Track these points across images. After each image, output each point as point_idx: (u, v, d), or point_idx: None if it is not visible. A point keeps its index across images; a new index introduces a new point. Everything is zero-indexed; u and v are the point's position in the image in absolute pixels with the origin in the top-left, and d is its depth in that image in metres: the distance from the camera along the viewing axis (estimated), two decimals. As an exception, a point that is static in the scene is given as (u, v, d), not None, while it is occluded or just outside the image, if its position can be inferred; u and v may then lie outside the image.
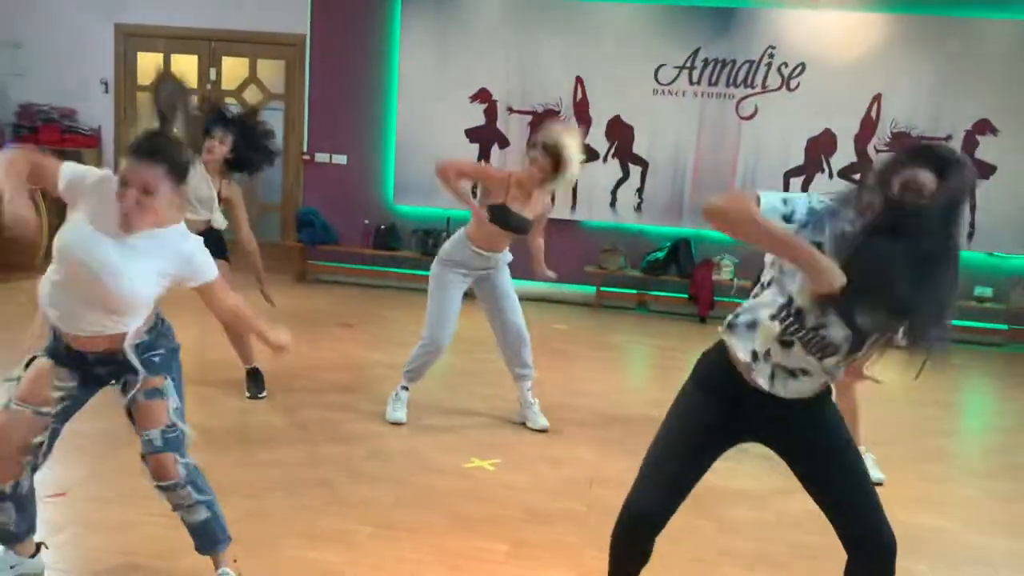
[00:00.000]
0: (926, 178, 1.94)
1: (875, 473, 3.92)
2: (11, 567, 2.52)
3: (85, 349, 2.35)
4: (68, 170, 2.32)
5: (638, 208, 7.84)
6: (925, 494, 3.89)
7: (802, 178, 7.59)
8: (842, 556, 2.22)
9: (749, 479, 3.75)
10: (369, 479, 3.60)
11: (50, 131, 8.18)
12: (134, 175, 2.22)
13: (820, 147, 7.53)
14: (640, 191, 7.82)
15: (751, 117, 7.59)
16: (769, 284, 2.15)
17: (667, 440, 2.28)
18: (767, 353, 2.12)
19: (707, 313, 7.58)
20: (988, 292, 7.35)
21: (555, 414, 4.48)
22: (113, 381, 2.44)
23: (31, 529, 2.52)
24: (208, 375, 4.77)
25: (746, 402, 2.19)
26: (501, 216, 4.12)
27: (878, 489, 3.83)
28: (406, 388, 4.31)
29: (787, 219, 2.01)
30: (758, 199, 2.02)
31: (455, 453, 3.94)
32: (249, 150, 4.31)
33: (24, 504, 2.44)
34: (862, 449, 3.93)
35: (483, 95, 7.86)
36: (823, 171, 7.54)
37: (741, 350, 2.15)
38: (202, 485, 2.43)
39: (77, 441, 3.16)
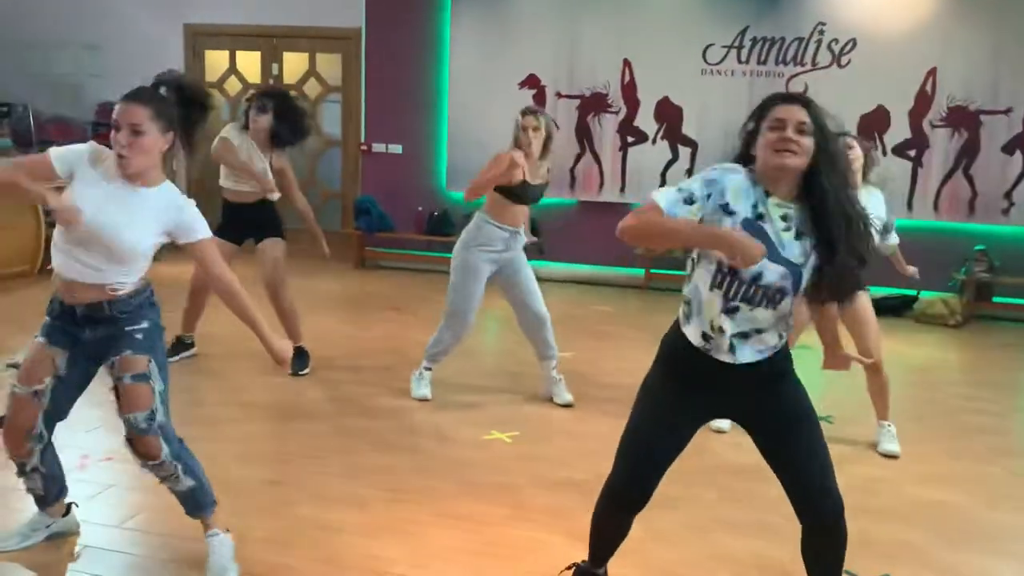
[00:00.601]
0: (795, 111, 2.12)
1: (891, 446, 3.93)
2: (46, 527, 2.80)
3: (77, 301, 2.51)
4: (56, 153, 2.53)
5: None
6: (945, 470, 3.87)
7: (855, 156, 7.45)
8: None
9: (755, 453, 3.81)
10: (389, 449, 3.81)
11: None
12: (123, 116, 2.45)
13: (873, 124, 7.38)
14: (690, 173, 7.81)
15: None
16: (698, 260, 2.24)
17: (641, 420, 2.37)
18: (719, 329, 2.20)
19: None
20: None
21: (583, 391, 4.61)
22: (100, 361, 2.59)
23: (61, 492, 2.79)
24: (257, 350, 5.07)
25: (710, 377, 2.27)
26: (524, 193, 4.29)
27: (892, 462, 3.88)
28: (429, 369, 4.49)
29: (690, 202, 2.11)
30: (658, 206, 2.12)
31: (476, 426, 4.12)
32: (283, 124, 4.61)
33: (50, 471, 2.71)
34: (885, 424, 3.95)
35: (532, 81, 7.99)
36: (876, 148, 7.38)
37: (694, 336, 2.24)
38: (187, 458, 2.60)
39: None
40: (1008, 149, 7.19)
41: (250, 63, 8.83)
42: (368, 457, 3.71)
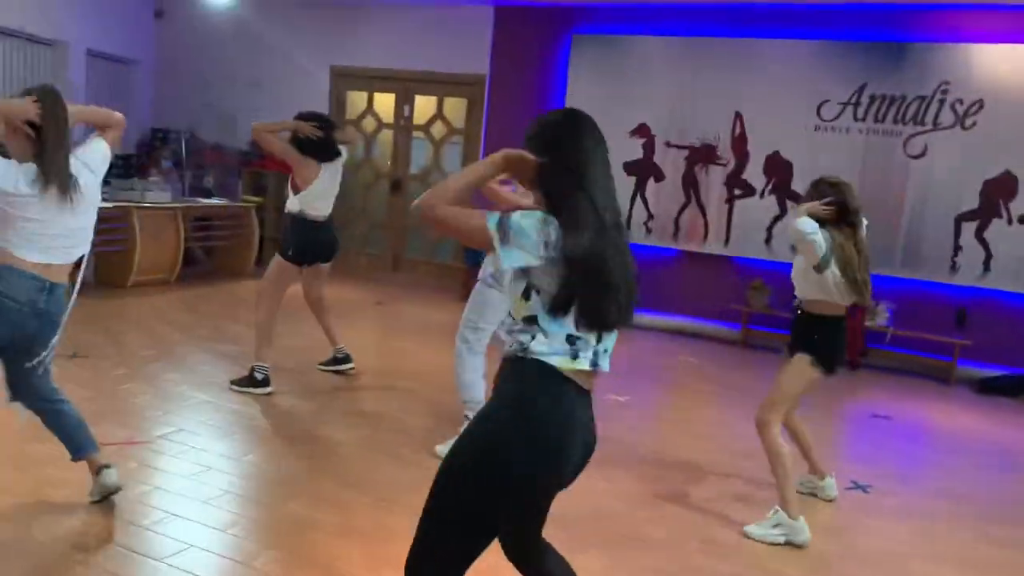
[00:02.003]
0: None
1: (757, 529, 3.59)
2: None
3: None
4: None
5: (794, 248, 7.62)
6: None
7: (976, 223, 7.02)
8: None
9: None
10: (403, 464, 4.00)
11: (273, 158, 9.48)
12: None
13: (998, 190, 6.93)
14: (798, 230, 7.60)
15: (920, 156, 7.16)
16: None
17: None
18: None
19: (858, 359, 7.18)
20: None
21: (623, 437, 4.58)
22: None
23: (80, 448, 3.19)
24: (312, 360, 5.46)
25: None
26: None
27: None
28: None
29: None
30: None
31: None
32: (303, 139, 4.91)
33: (65, 431, 3.13)
34: (775, 508, 3.59)
35: (642, 131, 8.09)
36: (1001, 216, 6.93)
37: None
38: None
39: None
40: None
41: (385, 104, 9.46)
42: (378, 470, 3.91)
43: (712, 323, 7.90)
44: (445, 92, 9.14)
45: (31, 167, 2.84)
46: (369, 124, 9.58)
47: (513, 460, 1.95)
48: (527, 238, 1.96)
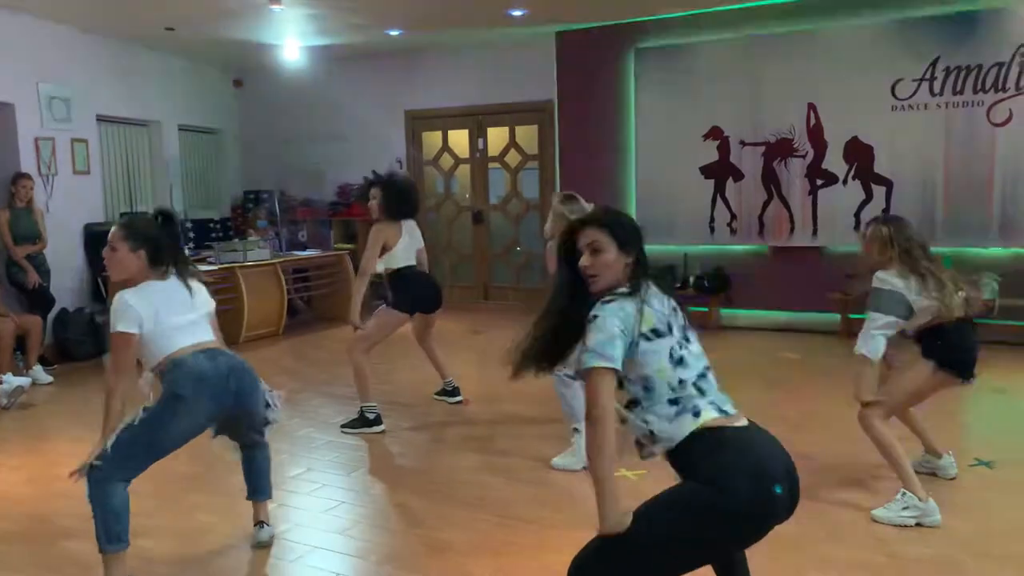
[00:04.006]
0: (588, 233, 2.27)
1: (884, 512, 3.56)
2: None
3: None
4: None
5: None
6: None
7: (1075, 183, 6.80)
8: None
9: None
10: (521, 482, 4.15)
11: (359, 205, 9.89)
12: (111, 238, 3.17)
13: (1094, 146, 6.71)
14: (887, 210, 7.49)
15: (1006, 123, 6.98)
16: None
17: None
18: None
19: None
20: None
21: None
22: None
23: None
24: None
25: None
26: None
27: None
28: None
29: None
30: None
31: (607, 464, 4.33)
32: (391, 201, 5.16)
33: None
34: (901, 491, 3.58)
35: (715, 133, 8.12)
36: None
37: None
38: (97, 502, 3.00)
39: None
40: None
41: (459, 140, 9.75)
42: (497, 490, 4.07)
43: (809, 315, 7.82)
44: (516, 121, 9.37)
45: None
46: (446, 161, 9.88)
47: None
48: (612, 342, 2.12)
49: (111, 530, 2.96)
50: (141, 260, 3.13)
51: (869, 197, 7.56)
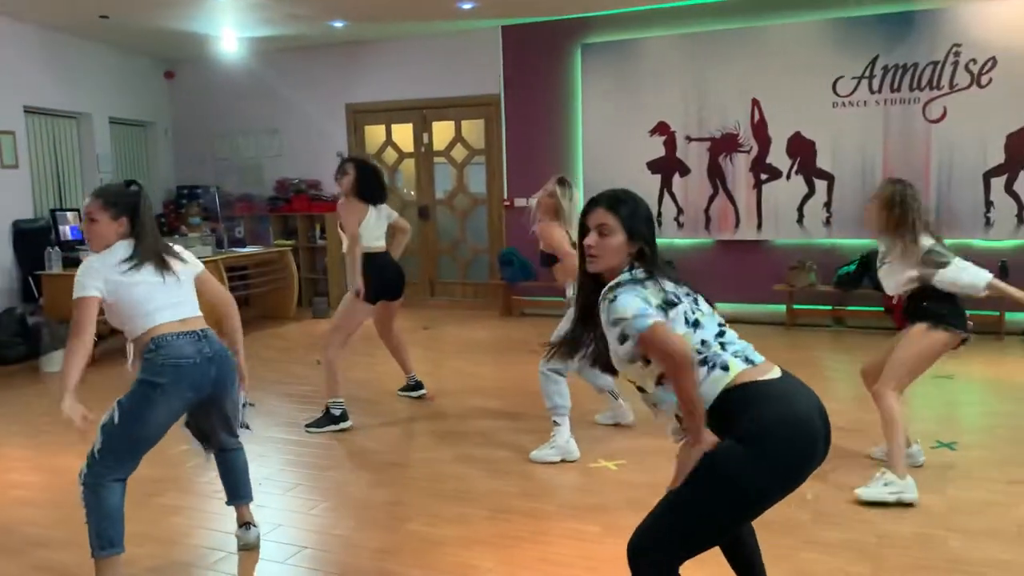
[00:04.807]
0: (597, 215, 2.31)
1: (865, 491, 3.69)
2: None
3: None
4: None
5: (827, 223, 7.75)
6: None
7: (1004, 177, 7.14)
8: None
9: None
10: (502, 475, 4.13)
11: (300, 200, 9.68)
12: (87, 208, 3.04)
13: (1022, 142, 7.05)
14: (828, 205, 7.74)
15: (940, 119, 7.28)
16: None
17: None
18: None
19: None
20: None
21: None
22: None
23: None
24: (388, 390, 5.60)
25: None
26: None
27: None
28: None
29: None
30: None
31: (586, 456, 4.35)
32: (364, 182, 5.13)
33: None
34: (882, 470, 3.74)
35: (662, 128, 8.23)
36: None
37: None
38: (89, 493, 2.88)
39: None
40: None
41: (404, 134, 9.63)
42: (480, 482, 4.04)
43: (755, 307, 8.01)
44: (462, 115, 9.31)
45: None
46: (390, 155, 9.75)
47: None
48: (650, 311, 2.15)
49: (104, 534, 2.82)
50: (123, 228, 3.01)
51: (812, 191, 7.78)
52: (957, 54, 7.15)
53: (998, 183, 7.16)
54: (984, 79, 7.09)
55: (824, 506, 3.64)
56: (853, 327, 7.70)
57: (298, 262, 9.45)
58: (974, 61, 7.11)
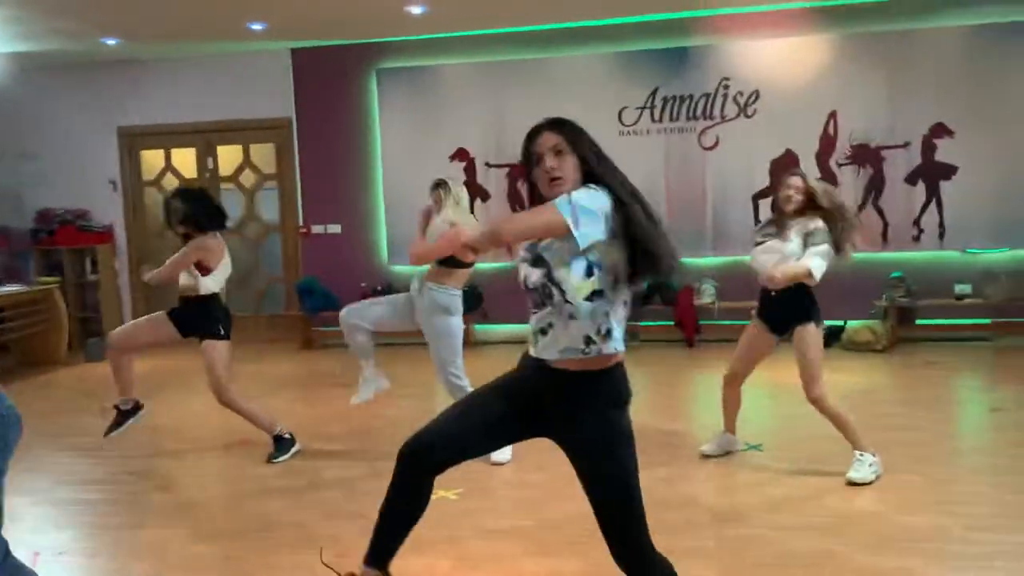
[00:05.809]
0: (547, 138, 2.32)
1: (854, 474, 4.08)
2: None
3: None
4: None
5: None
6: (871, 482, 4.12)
7: (770, 199, 7.85)
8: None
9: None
10: (339, 517, 3.94)
11: (66, 232, 8.81)
12: None
13: (783, 168, 7.80)
14: (619, 228, 8.15)
15: (714, 147, 7.94)
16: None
17: (474, 400, 2.61)
18: (535, 322, 2.37)
19: (694, 337, 7.84)
20: (967, 289, 7.52)
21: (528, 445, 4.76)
22: None
23: None
24: (206, 436, 5.18)
25: (527, 371, 2.43)
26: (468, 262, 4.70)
27: (856, 489, 4.00)
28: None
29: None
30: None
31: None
32: (201, 211, 4.77)
33: None
34: (856, 453, 4.10)
35: (461, 154, 8.34)
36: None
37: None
38: None
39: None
40: (911, 180, 7.68)
41: (185, 159, 9.05)
42: (319, 527, 3.83)
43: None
44: (250, 140, 8.91)
45: None
46: (170, 182, 9.11)
47: None
48: (595, 217, 2.17)
49: None
50: None
51: (604, 214, 8.16)
52: (726, 87, 7.85)
53: (765, 204, 7.89)
54: (750, 110, 7.83)
55: (781, 504, 3.79)
56: (647, 341, 8.15)
57: (67, 300, 8.56)
58: (741, 93, 7.83)
